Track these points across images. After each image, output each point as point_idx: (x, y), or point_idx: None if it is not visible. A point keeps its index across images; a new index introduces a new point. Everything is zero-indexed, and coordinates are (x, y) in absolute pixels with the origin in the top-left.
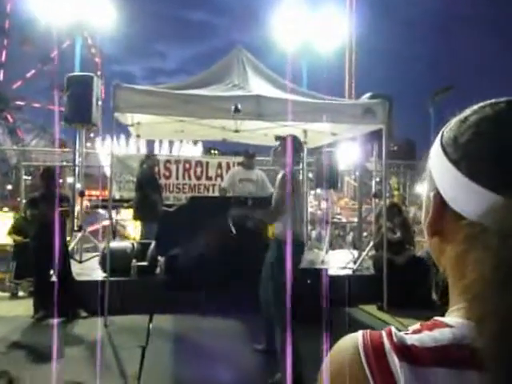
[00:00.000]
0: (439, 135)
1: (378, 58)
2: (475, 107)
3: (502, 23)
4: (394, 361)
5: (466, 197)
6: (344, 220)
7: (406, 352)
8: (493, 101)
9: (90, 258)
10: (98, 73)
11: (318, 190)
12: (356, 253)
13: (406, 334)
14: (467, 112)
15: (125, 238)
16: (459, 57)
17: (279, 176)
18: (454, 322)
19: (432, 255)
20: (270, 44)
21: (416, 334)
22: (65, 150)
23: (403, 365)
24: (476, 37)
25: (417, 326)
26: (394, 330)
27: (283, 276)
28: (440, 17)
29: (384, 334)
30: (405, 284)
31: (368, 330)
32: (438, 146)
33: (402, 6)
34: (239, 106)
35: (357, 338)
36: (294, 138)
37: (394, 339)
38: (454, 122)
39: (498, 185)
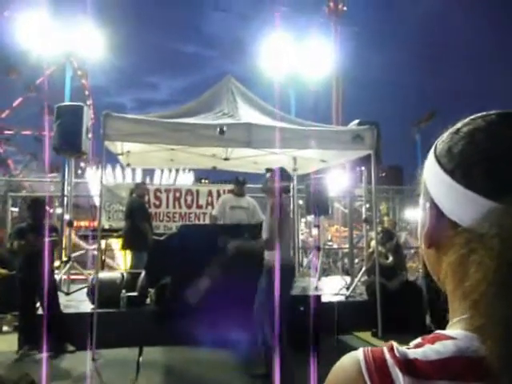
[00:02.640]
0: (432, 148)
1: (364, 87)
2: (466, 120)
3: (487, 50)
4: (398, 375)
5: (463, 205)
6: (335, 246)
7: (409, 366)
8: (484, 113)
9: (78, 290)
10: (88, 102)
11: (309, 218)
12: (348, 279)
13: (408, 348)
14: (458, 125)
15: (114, 268)
16: (444, 84)
17: (269, 206)
18: (456, 333)
19: (428, 266)
20: (259, 74)
21: (418, 348)
22: (54, 179)
23: (407, 379)
24: (461, 63)
25: (418, 340)
26: (395, 344)
27: (276, 301)
28: (426, 45)
29: (386, 349)
30: (399, 309)
31: (369, 347)
32: (432, 158)
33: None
34: (224, 128)
35: (358, 355)
36: (282, 170)
37: (397, 354)
38: (446, 134)
39: (494, 191)
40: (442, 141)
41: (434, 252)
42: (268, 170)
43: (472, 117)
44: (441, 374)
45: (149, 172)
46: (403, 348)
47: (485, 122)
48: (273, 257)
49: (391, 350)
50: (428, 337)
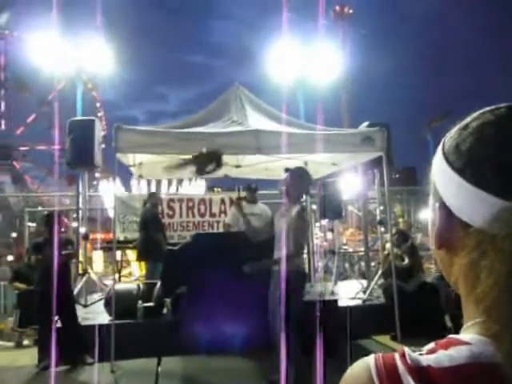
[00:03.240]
0: (440, 145)
1: (374, 88)
2: (475, 114)
3: (497, 50)
4: (409, 383)
5: (473, 205)
6: (351, 250)
7: (421, 373)
8: (493, 107)
9: (96, 302)
10: (99, 114)
11: (323, 222)
12: (365, 282)
13: (421, 354)
14: (467, 119)
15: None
16: (456, 84)
17: (295, 210)
18: (470, 338)
19: (440, 267)
20: (268, 80)
21: (431, 353)
22: (68, 193)
23: None
24: (473, 63)
25: (431, 345)
26: (407, 350)
27: (291, 307)
28: (435, 45)
29: (397, 355)
30: (417, 311)
31: (380, 354)
32: (440, 156)
33: (396, 36)
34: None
35: (369, 361)
36: (301, 169)
37: (409, 361)
38: (454, 130)
39: (505, 189)
40: (450, 137)
41: (444, 253)
42: (287, 169)
43: (481, 111)
44: (455, 381)
45: (160, 182)
46: (415, 354)
47: (494, 115)
48: (286, 262)
49: (403, 356)
50: (441, 342)
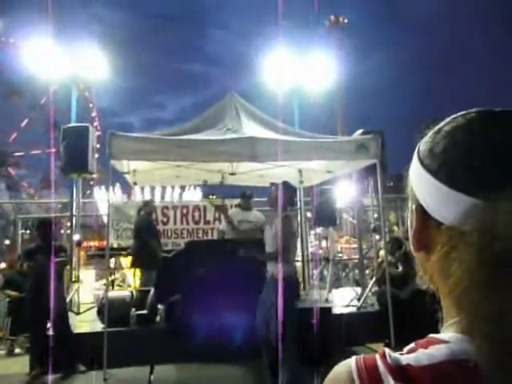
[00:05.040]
0: (416, 150)
1: (368, 97)
2: (448, 118)
3: (487, 59)
4: (390, 382)
5: (446, 204)
6: (345, 257)
7: (401, 372)
8: (464, 112)
9: (88, 310)
10: (93, 114)
11: (318, 230)
12: (359, 290)
13: (401, 354)
14: (441, 124)
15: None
16: (449, 91)
17: (280, 219)
18: (449, 337)
19: (419, 268)
20: (263, 88)
21: (411, 353)
22: (62, 200)
23: None
24: (466, 69)
25: (412, 345)
26: (387, 350)
27: (285, 315)
28: (428, 52)
29: (378, 356)
30: (411, 318)
31: (362, 355)
32: (415, 160)
33: (390, 45)
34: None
35: (350, 363)
36: (285, 183)
37: (389, 360)
38: (428, 135)
39: (475, 188)
40: (425, 141)
41: (423, 255)
42: (272, 184)
43: (454, 116)
44: (434, 379)
45: (156, 190)
46: (396, 354)
47: (465, 120)
48: (275, 270)
49: (383, 356)
50: (421, 341)
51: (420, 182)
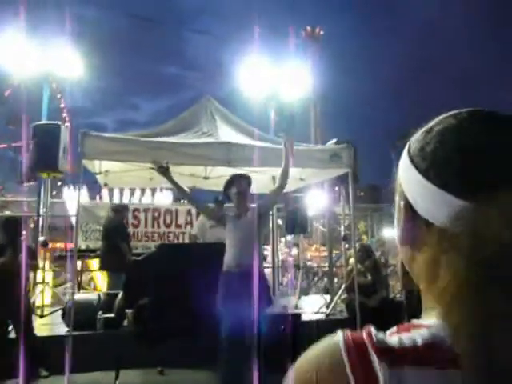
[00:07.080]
0: (406, 146)
1: (341, 107)
2: (439, 118)
3: (459, 71)
4: (375, 360)
5: (436, 204)
6: (315, 265)
7: (385, 352)
8: (456, 111)
9: (53, 312)
10: (67, 124)
11: (289, 237)
12: (328, 297)
13: (385, 335)
14: (432, 123)
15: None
16: (423, 102)
17: (253, 211)
18: (431, 322)
19: (404, 264)
20: (239, 94)
21: (393, 335)
22: (29, 199)
23: (383, 365)
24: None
25: (394, 328)
26: (373, 330)
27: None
28: (401, 67)
29: (364, 333)
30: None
31: (348, 330)
32: (405, 157)
33: (365, 59)
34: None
35: (337, 335)
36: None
37: (374, 339)
38: (419, 133)
39: (465, 190)
40: (416, 139)
41: (408, 249)
42: (236, 176)
43: (445, 115)
44: (415, 360)
45: (127, 191)
46: (381, 334)
47: (456, 120)
48: (230, 261)
49: (369, 335)
50: (403, 325)
51: (409, 180)
